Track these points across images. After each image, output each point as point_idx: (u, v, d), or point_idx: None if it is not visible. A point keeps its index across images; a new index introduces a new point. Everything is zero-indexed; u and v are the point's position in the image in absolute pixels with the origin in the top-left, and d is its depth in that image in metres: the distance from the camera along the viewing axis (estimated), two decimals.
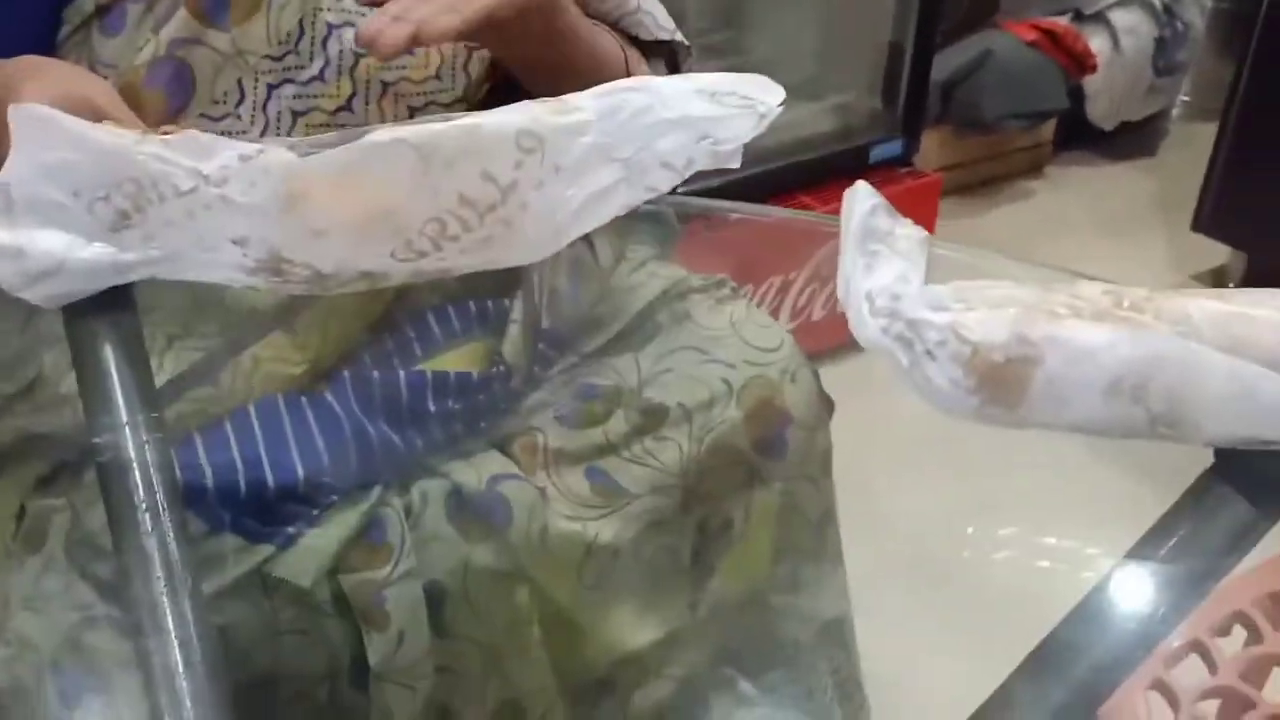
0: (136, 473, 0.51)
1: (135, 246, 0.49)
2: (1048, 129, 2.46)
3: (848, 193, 0.49)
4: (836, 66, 1.99)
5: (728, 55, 2.11)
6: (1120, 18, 2.45)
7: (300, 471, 0.66)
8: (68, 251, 0.51)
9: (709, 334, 0.82)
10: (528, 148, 0.50)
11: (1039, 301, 0.43)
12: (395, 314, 0.76)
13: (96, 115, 0.54)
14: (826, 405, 0.85)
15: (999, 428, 0.44)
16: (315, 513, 0.67)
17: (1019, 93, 2.25)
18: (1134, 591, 0.43)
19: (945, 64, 2.23)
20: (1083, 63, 2.32)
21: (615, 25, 0.84)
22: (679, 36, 0.87)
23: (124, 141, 0.49)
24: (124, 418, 0.52)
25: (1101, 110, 2.49)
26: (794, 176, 1.80)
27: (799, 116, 1.91)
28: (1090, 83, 2.40)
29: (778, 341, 0.83)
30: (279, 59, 0.74)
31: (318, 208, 0.47)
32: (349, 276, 0.51)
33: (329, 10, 0.75)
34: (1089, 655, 0.43)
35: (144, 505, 0.50)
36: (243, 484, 0.65)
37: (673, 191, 0.56)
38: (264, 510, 0.66)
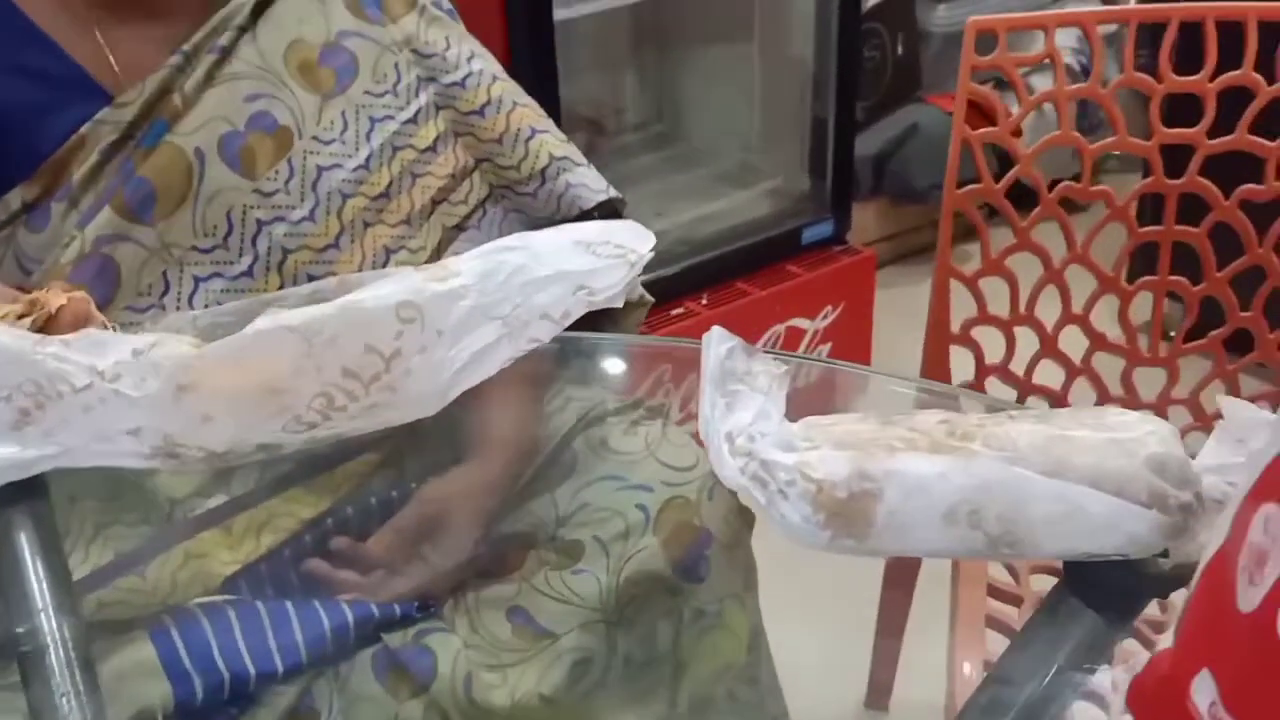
0: (52, 656, 0.53)
1: (35, 443, 0.52)
2: (967, 195, 2.53)
3: (705, 337, 0.52)
4: (765, 152, 2.06)
5: (664, 147, 2.18)
6: (1039, 82, 2.54)
7: (225, 675, 0.68)
8: None
9: (625, 459, 0.83)
10: (407, 318, 0.54)
11: (877, 436, 0.46)
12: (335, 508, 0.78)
13: None
14: (746, 520, 0.85)
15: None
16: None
17: (946, 162, 2.32)
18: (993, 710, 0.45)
19: (874, 139, 2.31)
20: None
21: (557, 210, 0.89)
22: (613, 192, 0.92)
23: (24, 344, 0.52)
24: (39, 604, 0.54)
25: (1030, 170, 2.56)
26: (730, 264, 1.85)
27: (733, 204, 1.97)
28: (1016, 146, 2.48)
29: (693, 460, 0.83)
30: (207, 251, 0.77)
31: (206, 395, 0.50)
32: (245, 450, 0.53)
33: (258, 207, 0.77)
34: None
35: (60, 690, 0.52)
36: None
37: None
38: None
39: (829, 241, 1.95)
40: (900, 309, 2.18)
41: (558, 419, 0.87)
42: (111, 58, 0.75)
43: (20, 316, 0.55)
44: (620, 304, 0.62)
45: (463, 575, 0.78)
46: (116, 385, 0.50)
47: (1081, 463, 0.44)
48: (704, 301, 1.81)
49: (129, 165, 0.74)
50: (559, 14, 1.56)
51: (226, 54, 0.77)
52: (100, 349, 0.51)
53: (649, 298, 0.93)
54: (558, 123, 0.94)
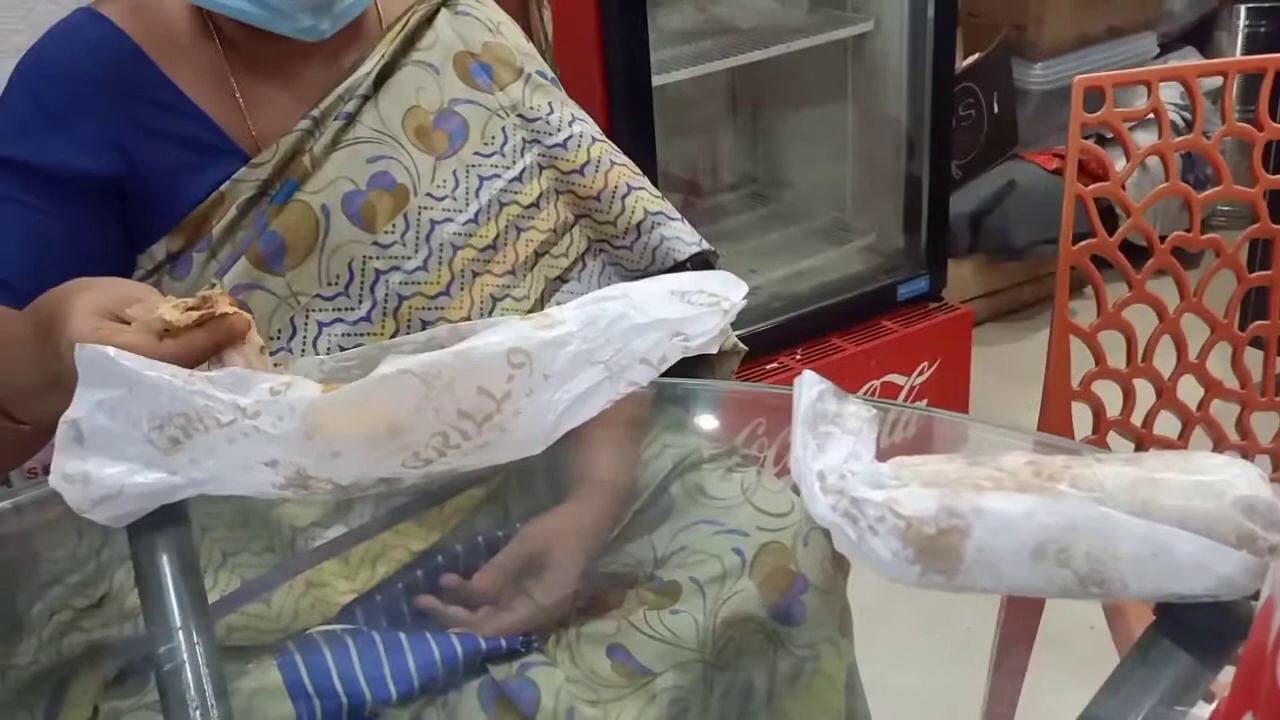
0: (188, 672, 0.57)
1: (184, 469, 0.57)
2: (1081, 250, 2.50)
3: (796, 381, 0.55)
4: (860, 209, 2.08)
5: (758, 206, 2.22)
6: (1142, 138, 2.51)
7: (343, 699, 0.72)
8: (127, 476, 0.59)
9: (721, 504, 0.86)
10: (517, 363, 0.58)
11: (964, 475, 0.48)
12: (444, 543, 0.82)
13: (135, 298, 0.63)
14: (841, 566, 0.86)
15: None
16: None
17: (1045, 218, 2.30)
18: None
19: (971, 197, 2.31)
20: None
21: (652, 262, 0.94)
22: (705, 245, 0.96)
23: (175, 380, 0.58)
24: (178, 622, 0.59)
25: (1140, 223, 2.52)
26: (824, 320, 1.86)
27: (827, 261, 1.99)
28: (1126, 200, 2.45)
29: (789, 506, 0.85)
30: (330, 299, 0.83)
31: (334, 434, 0.55)
32: (368, 484, 0.58)
33: (376, 258, 0.83)
34: None
35: (194, 704, 0.56)
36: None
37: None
38: None
39: (925, 298, 1.96)
40: (998, 365, 2.16)
41: (655, 464, 0.90)
42: (249, 121, 0.82)
43: (189, 309, 0.60)
44: (715, 350, 0.65)
45: (565, 612, 0.81)
46: (256, 422, 0.55)
47: (1169, 504, 0.45)
48: (798, 356, 1.83)
49: (263, 220, 0.81)
50: (657, 79, 1.62)
51: (351, 120, 0.83)
52: (243, 387, 0.56)
53: (742, 346, 0.96)
54: (654, 182, 0.99)
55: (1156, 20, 2.58)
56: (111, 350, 0.58)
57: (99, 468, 0.59)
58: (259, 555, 0.77)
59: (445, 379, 0.55)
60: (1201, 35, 2.73)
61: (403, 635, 0.76)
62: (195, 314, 0.60)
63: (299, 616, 0.75)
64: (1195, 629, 0.47)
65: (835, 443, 0.53)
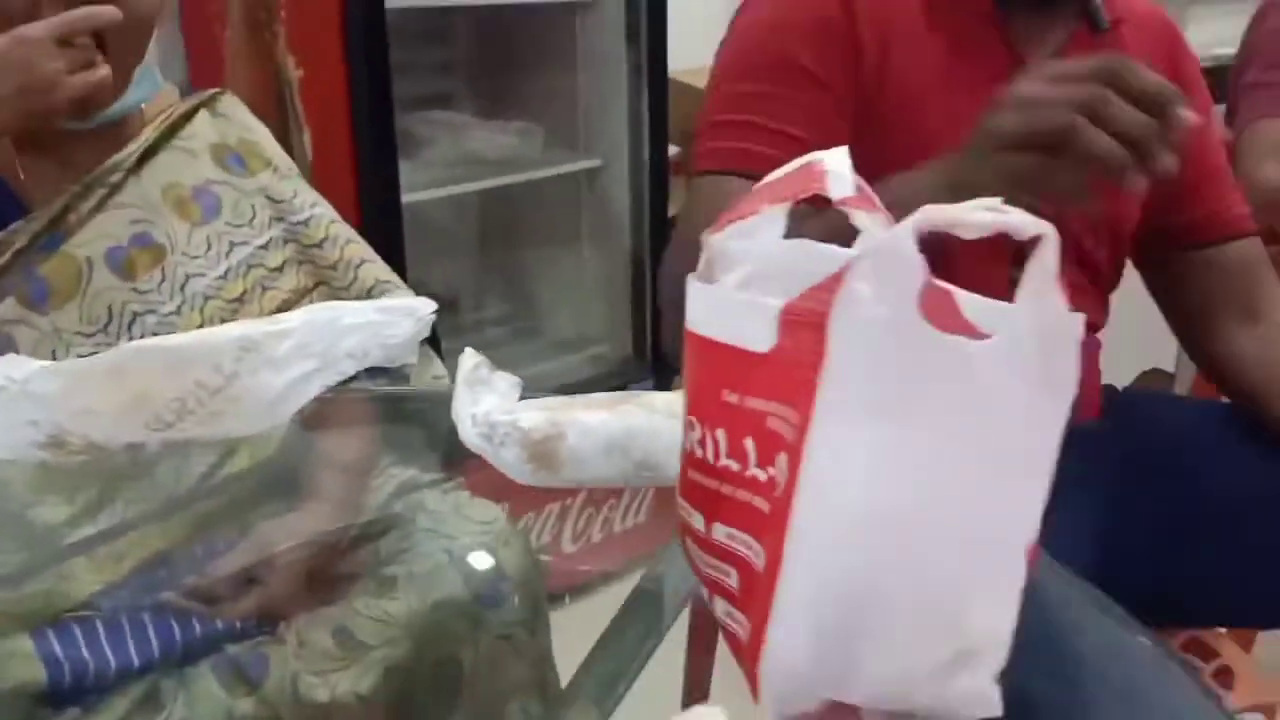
0: None
1: None
2: None
3: (460, 357, 0.74)
4: (596, 321, 2.35)
5: (510, 322, 2.46)
6: None
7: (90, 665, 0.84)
8: None
9: (437, 516, 1.03)
10: (246, 348, 0.75)
11: (569, 404, 0.69)
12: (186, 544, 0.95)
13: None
14: (536, 565, 1.05)
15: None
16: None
17: None
18: None
19: None
20: None
21: None
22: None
23: None
24: None
25: None
26: None
27: (567, 365, 2.23)
28: None
29: (493, 516, 1.04)
30: (90, 336, 0.96)
31: (93, 397, 0.69)
32: (116, 446, 0.72)
33: (134, 302, 0.98)
34: None
35: None
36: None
37: None
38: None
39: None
40: None
41: (382, 490, 1.06)
42: (31, 181, 0.97)
43: None
44: (413, 359, 0.85)
45: (295, 603, 0.95)
46: (25, 387, 0.69)
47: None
48: None
49: (31, 267, 0.95)
50: (406, 198, 1.84)
51: (116, 188, 0.99)
52: (19, 366, 0.70)
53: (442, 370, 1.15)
54: None
55: None
56: None
57: None
58: (13, 555, 0.88)
59: (186, 355, 0.72)
60: None
61: (146, 616, 0.88)
62: None
63: (50, 602, 0.86)
64: None
65: (486, 396, 0.72)
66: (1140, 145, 0.71)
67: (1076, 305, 1.21)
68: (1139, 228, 1.06)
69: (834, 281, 0.43)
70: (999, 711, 0.46)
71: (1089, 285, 1.03)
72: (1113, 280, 1.07)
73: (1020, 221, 0.43)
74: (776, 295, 0.46)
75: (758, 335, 0.46)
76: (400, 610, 0.95)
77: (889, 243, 0.42)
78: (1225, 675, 1.01)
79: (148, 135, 1.03)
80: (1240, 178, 1.35)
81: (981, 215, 0.42)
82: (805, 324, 0.44)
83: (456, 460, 1.18)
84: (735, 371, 0.47)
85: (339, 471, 1.04)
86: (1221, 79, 1.53)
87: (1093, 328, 1.07)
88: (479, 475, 1.21)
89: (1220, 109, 1.68)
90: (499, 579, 1.02)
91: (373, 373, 0.91)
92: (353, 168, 1.75)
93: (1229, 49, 1.64)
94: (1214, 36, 1.88)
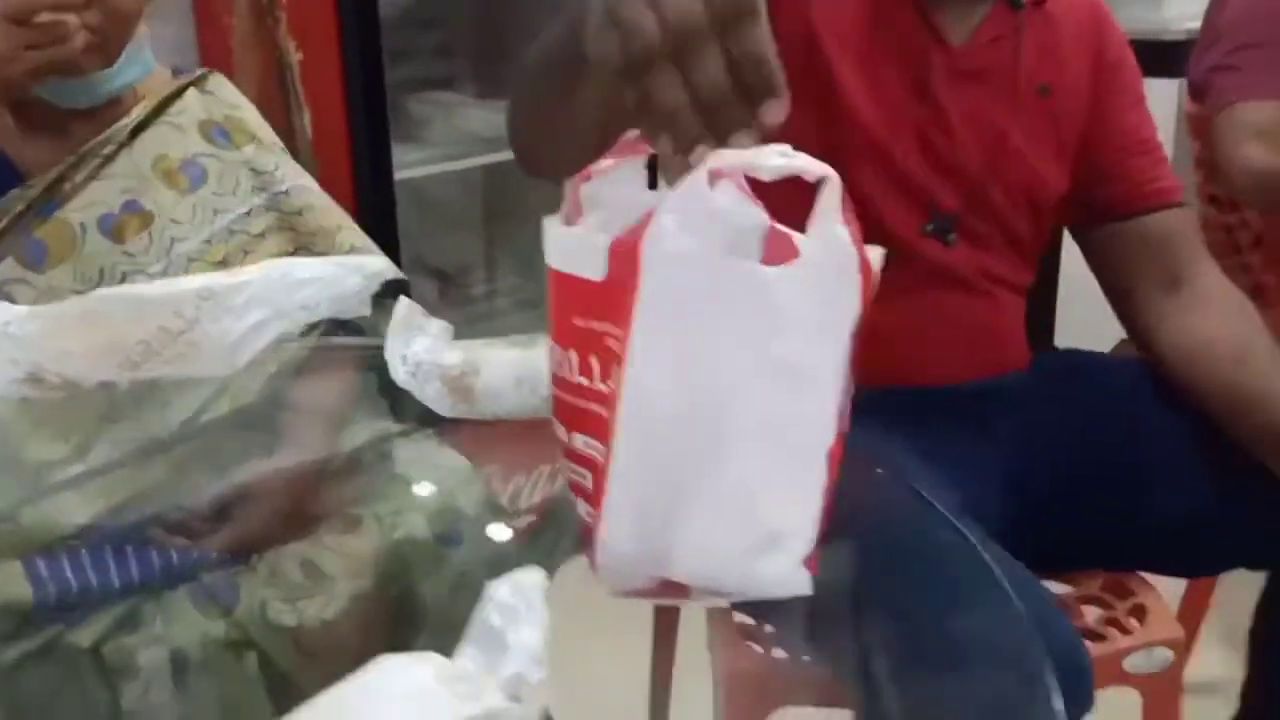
0: None
1: None
2: None
3: (395, 306, 0.83)
4: None
5: (509, 294, 2.54)
6: None
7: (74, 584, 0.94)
8: None
9: (404, 462, 1.13)
10: (205, 297, 0.83)
11: (491, 344, 0.77)
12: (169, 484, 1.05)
13: None
14: (495, 508, 1.13)
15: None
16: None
17: None
18: None
19: None
20: None
21: None
22: (401, 274, 1.21)
23: None
24: None
25: None
26: None
27: None
28: None
29: (456, 463, 1.13)
30: (83, 294, 1.05)
31: (70, 334, 0.78)
32: (90, 386, 0.81)
33: (124, 264, 1.07)
34: None
35: None
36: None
37: None
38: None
39: None
40: None
41: (355, 438, 1.15)
42: (31, 154, 1.07)
43: None
44: (366, 312, 0.93)
45: (267, 538, 1.04)
46: (7, 329, 0.78)
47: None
48: None
49: (29, 231, 1.04)
50: (399, 174, 1.92)
51: (109, 160, 1.08)
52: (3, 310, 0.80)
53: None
54: (400, 267, 1.25)
55: None
56: None
57: None
58: (9, 490, 0.97)
59: (150, 302, 0.80)
60: None
61: (129, 547, 0.97)
62: None
63: (40, 532, 0.95)
64: None
65: (418, 340, 0.81)
66: (710, 112, 0.51)
67: (998, 267, 1.25)
68: (1067, 199, 1.11)
69: (648, 218, 0.51)
70: (809, 591, 0.54)
71: (1007, 249, 1.09)
72: (1035, 246, 1.12)
73: (807, 165, 0.50)
74: (617, 233, 0.54)
75: (595, 266, 0.53)
76: (364, 547, 1.04)
77: (690, 185, 0.49)
78: (1139, 612, 1.07)
79: (139, 112, 1.12)
80: (1222, 161, 1.39)
81: (774, 160, 0.50)
82: (626, 255, 0.51)
83: (431, 413, 1.28)
84: (581, 299, 0.55)
85: (315, 418, 1.13)
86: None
87: (1015, 288, 1.12)
88: (471, 438, 1.30)
89: (1179, 83, 1.72)
90: (458, 520, 1.10)
91: (336, 325, 1.00)
92: (348, 146, 1.84)
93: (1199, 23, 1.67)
94: (1189, 10, 1.92)
